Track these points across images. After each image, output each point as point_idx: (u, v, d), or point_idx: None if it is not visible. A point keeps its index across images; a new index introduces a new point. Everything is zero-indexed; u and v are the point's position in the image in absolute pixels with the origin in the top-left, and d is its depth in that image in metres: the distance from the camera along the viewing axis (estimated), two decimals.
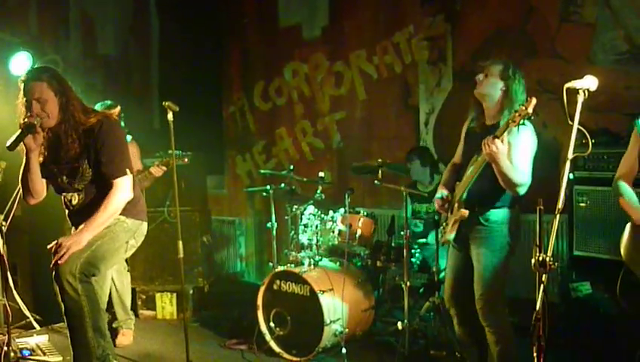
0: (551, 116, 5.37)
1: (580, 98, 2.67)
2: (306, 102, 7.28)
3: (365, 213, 5.09)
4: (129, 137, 5.38)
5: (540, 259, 2.20)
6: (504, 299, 3.76)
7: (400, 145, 6.17)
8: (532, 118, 3.29)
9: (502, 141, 3.39)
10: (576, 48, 5.29)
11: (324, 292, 4.63)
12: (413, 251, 5.03)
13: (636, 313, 3.28)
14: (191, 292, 6.03)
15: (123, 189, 3.65)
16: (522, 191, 3.54)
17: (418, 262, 5.10)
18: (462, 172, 3.87)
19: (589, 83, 2.70)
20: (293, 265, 4.98)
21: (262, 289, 4.95)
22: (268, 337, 4.86)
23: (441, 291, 4.78)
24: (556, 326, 4.61)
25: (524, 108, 3.24)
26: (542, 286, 2.18)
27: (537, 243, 2.22)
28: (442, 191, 3.95)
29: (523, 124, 3.32)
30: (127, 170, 3.67)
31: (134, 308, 5.73)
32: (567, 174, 2.46)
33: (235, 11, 7.92)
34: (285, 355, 4.77)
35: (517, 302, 4.08)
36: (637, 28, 4.99)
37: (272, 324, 4.87)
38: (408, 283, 4.64)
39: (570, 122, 2.58)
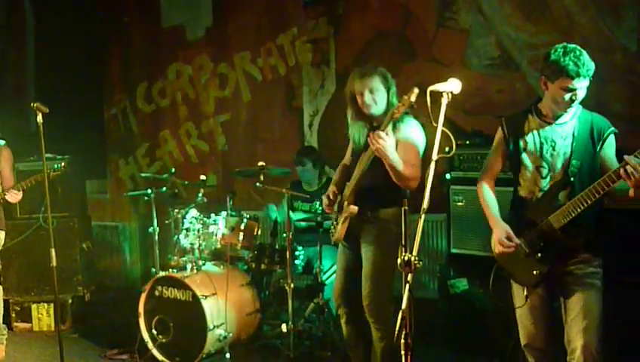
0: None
1: (444, 101, 2.71)
2: (190, 104, 7.15)
3: (248, 216, 5.04)
4: (2, 142, 5.09)
5: (406, 258, 2.24)
6: (391, 296, 3.81)
7: (285, 147, 6.18)
8: (414, 106, 3.33)
9: (387, 133, 3.43)
10: (453, 53, 5.49)
11: (206, 297, 4.55)
12: (297, 253, 5.04)
13: (507, 307, 3.41)
14: (70, 301, 5.77)
15: None
16: (414, 184, 3.61)
17: (302, 263, 5.12)
18: (351, 172, 3.92)
19: (452, 86, 2.74)
20: (175, 270, 4.88)
21: (143, 295, 4.81)
22: (150, 345, 4.74)
23: (325, 292, 4.82)
24: (435, 322, 4.79)
25: (406, 97, 3.26)
26: (407, 285, 2.22)
27: (403, 243, 2.26)
28: (330, 190, 3.99)
29: (407, 113, 3.38)
30: None
31: (7, 321, 5.41)
32: (431, 175, 2.50)
33: (115, 10, 7.65)
34: None
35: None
36: (506, 34, 5.24)
37: (154, 331, 4.73)
38: (292, 285, 4.63)
39: (434, 124, 2.63)
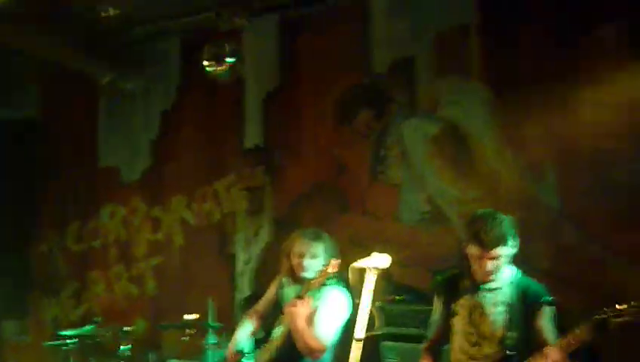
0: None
1: (369, 277, 2.62)
2: (120, 246, 6.98)
3: None
4: None
5: None
6: None
7: (216, 295, 6.03)
8: (333, 278, 3.31)
9: (304, 302, 3.40)
10: (385, 206, 5.57)
11: None
12: None
13: None
14: None
15: None
16: (318, 356, 3.50)
17: None
18: (270, 326, 3.84)
19: (376, 262, 2.67)
20: None
21: None
22: None
23: None
24: None
25: (325, 269, 3.26)
26: None
27: None
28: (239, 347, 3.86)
29: (325, 284, 3.36)
30: None
31: None
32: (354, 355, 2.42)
33: (52, 147, 7.57)
34: None
35: None
36: (437, 190, 5.36)
37: None
38: None
39: (356, 301, 2.55)
